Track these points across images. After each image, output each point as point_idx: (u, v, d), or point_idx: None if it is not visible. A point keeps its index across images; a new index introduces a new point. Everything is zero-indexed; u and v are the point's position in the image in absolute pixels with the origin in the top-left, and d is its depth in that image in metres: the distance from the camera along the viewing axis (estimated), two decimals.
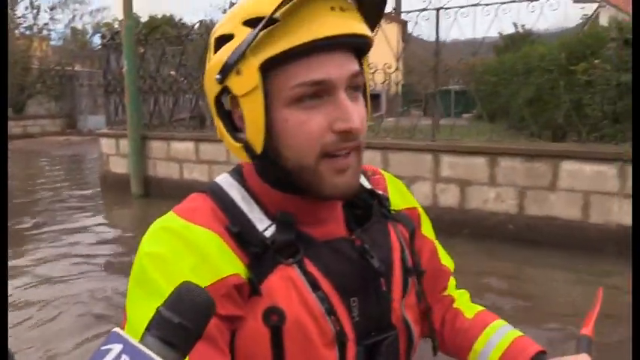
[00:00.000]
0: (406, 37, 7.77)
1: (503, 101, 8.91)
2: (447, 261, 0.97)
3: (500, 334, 0.87)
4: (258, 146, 0.69)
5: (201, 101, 7.66)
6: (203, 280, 0.64)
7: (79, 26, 29.26)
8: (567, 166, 4.77)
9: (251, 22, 0.66)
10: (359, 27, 0.68)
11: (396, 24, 6.88)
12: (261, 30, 0.64)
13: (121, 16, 7.59)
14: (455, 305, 0.95)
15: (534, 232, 4.94)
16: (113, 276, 4.40)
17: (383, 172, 0.92)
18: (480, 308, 0.95)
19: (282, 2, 0.63)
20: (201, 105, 7.69)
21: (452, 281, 0.99)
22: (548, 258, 4.58)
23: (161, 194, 7.15)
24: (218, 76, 0.68)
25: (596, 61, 5.09)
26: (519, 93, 6.03)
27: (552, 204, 4.88)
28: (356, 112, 0.68)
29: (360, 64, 0.72)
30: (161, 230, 0.70)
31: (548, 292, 4.02)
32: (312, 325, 0.69)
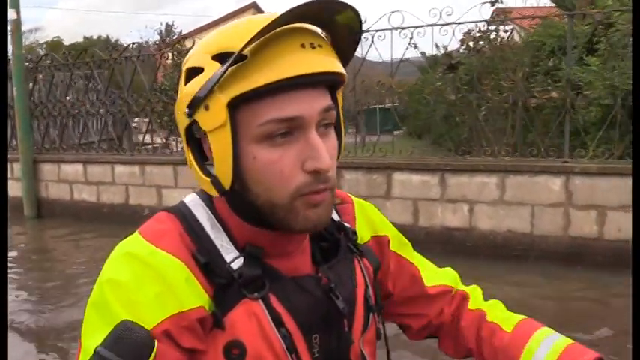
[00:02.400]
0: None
1: (425, 118, 9.47)
2: (437, 280, 0.94)
3: (546, 345, 0.81)
4: (226, 183, 0.68)
5: (111, 125, 7.95)
6: (166, 310, 0.64)
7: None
8: (398, 177, 5.37)
9: (220, 57, 0.65)
10: (329, 64, 0.66)
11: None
12: (228, 67, 0.63)
13: (53, 36, 7.88)
14: (489, 319, 0.89)
15: None
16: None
17: (353, 198, 0.90)
18: (520, 318, 0.88)
19: (250, 39, 0.61)
20: (111, 129, 7.96)
21: (474, 294, 0.94)
22: None
23: (53, 215, 7.54)
24: (187, 110, 0.67)
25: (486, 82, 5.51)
26: (436, 111, 6.44)
27: (388, 211, 5.32)
28: (326, 150, 0.66)
29: (334, 99, 0.71)
30: (125, 256, 0.68)
31: None
32: None
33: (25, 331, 3.82)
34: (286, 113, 0.64)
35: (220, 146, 0.66)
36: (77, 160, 7.52)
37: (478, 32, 5.52)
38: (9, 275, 5.08)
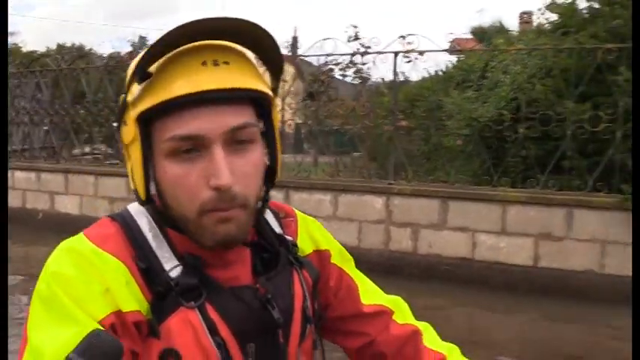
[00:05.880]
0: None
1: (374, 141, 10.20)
2: (375, 299, 0.92)
3: None
4: (142, 194, 0.70)
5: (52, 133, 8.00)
6: (109, 307, 0.64)
7: None
8: (295, 196, 5.63)
9: (133, 74, 0.67)
10: (234, 80, 0.66)
11: (292, 65, 7.52)
12: (130, 85, 0.66)
13: (29, 40, 7.92)
14: None
15: None
16: None
17: (298, 213, 0.90)
18: None
19: (150, 58, 0.63)
20: (53, 137, 8.01)
21: (428, 331, 0.92)
22: None
23: None
24: (115, 125, 0.71)
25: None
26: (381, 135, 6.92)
27: None
28: (233, 168, 0.66)
29: (263, 114, 0.71)
30: (69, 251, 0.68)
31: None
32: None
33: None
34: (186, 131, 0.65)
35: (135, 159, 0.69)
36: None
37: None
38: None
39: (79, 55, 8.50)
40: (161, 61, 0.65)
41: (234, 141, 0.67)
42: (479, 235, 5.00)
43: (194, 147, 0.66)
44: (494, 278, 4.91)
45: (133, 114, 0.67)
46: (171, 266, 0.70)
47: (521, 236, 4.88)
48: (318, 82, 5.94)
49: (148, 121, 0.67)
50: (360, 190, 5.38)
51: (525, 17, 11.32)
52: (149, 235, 0.72)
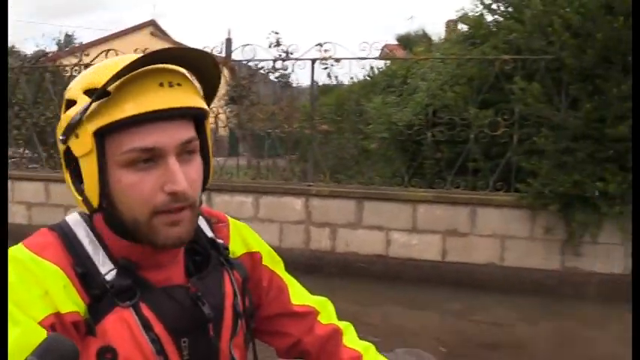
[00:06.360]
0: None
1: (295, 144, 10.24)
2: (304, 300, 0.99)
3: None
4: (94, 201, 0.75)
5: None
6: (48, 309, 0.69)
7: None
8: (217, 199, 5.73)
9: (89, 92, 0.73)
10: (186, 100, 0.74)
11: (227, 69, 7.43)
12: (93, 101, 0.71)
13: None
14: None
15: None
16: None
17: (230, 219, 0.96)
18: None
19: (111, 78, 0.69)
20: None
21: (348, 330, 1.00)
22: None
23: None
24: (61, 137, 0.75)
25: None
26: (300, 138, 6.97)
27: None
28: (184, 175, 0.74)
29: (200, 129, 0.79)
30: (10, 260, 0.73)
31: None
32: None
33: None
34: (146, 143, 0.72)
35: (88, 170, 0.74)
36: None
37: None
38: None
39: None
40: (121, 80, 0.71)
41: (184, 152, 0.75)
42: (392, 233, 5.28)
43: (150, 157, 0.73)
44: (408, 273, 5.21)
45: (90, 128, 0.72)
46: (107, 270, 0.76)
47: (430, 233, 5.20)
48: (239, 87, 6.07)
49: (101, 135, 0.72)
50: (280, 192, 5.55)
51: (452, 25, 11.89)
52: (85, 242, 0.78)
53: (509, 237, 5.04)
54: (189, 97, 0.75)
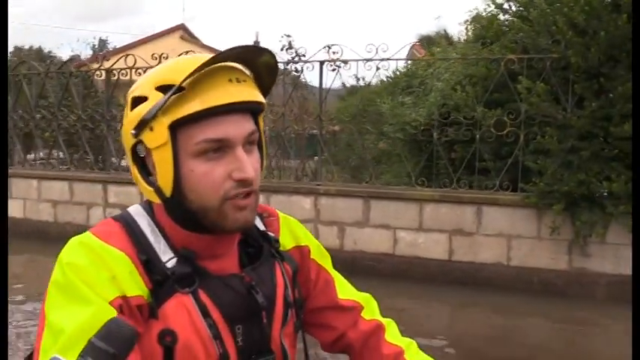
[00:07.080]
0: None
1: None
2: (350, 295, 1.02)
3: None
4: (168, 191, 0.80)
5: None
6: (116, 291, 0.76)
7: None
8: None
9: (162, 88, 0.78)
10: (251, 95, 0.81)
11: None
12: (171, 96, 0.76)
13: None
14: (407, 358, 0.98)
15: None
16: None
17: (279, 213, 1.01)
18: None
19: (189, 74, 0.75)
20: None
21: (390, 326, 1.03)
22: None
23: None
24: (133, 131, 0.80)
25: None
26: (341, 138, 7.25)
27: None
28: (250, 164, 0.80)
29: (256, 123, 0.84)
30: (80, 245, 0.79)
31: None
32: (200, 347, 0.80)
33: None
34: (217, 135, 0.78)
35: (163, 160, 0.79)
36: None
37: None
38: None
39: (19, 61, 8.54)
40: (195, 77, 0.76)
41: (247, 142, 0.81)
42: (399, 232, 5.35)
43: (220, 147, 0.79)
44: (414, 272, 5.26)
45: (165, 121, 0.77)
46: (168, 258, 0.82)
47: (437, 232, 5.24)
48: None
49: (174, 127, 0.77)
50: (290, 191, 5.67)
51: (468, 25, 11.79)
52: (147, 231, 0.84)
53: (516, 236, 5.04)
54: (253, 92, 0.82)
